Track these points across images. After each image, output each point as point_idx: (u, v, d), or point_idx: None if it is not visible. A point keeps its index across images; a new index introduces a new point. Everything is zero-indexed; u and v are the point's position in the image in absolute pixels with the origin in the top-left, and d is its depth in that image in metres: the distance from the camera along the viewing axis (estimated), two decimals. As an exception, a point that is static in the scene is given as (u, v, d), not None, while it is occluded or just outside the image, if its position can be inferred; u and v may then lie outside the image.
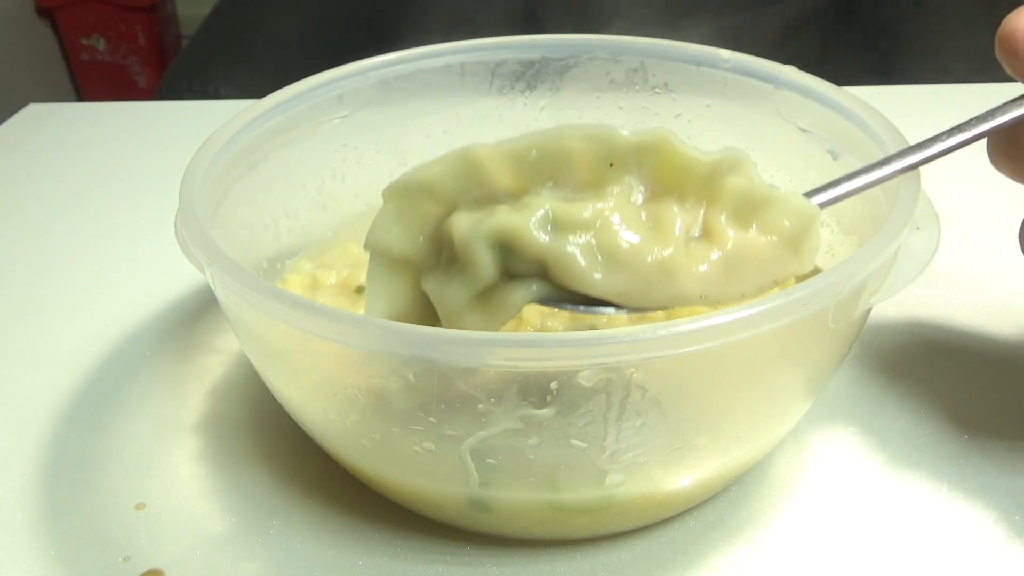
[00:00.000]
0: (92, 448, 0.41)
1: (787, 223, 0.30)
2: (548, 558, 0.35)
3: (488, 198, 0.31)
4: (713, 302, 0.30)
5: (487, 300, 0.30)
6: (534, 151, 0.30)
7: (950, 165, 0.58)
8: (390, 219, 0.32)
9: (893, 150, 0.36)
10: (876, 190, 0.38)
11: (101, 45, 1.91)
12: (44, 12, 1.87)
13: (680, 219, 0.30)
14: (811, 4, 0.96)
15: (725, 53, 0.44)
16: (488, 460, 0.31)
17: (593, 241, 0.29)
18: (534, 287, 0.30)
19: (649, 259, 0.29)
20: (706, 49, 0.44)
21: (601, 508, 0.33)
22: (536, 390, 0.28)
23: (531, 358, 0.27)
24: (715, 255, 0.30)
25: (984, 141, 0.33)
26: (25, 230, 0.61)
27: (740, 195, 0.30)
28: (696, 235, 0.30)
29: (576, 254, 0.29)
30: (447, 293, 0.30)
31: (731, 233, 0.30)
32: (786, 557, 0.35)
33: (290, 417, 0.37)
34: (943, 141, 0.33)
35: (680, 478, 0.33)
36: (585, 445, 0.30)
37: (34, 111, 0.78)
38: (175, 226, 0.35)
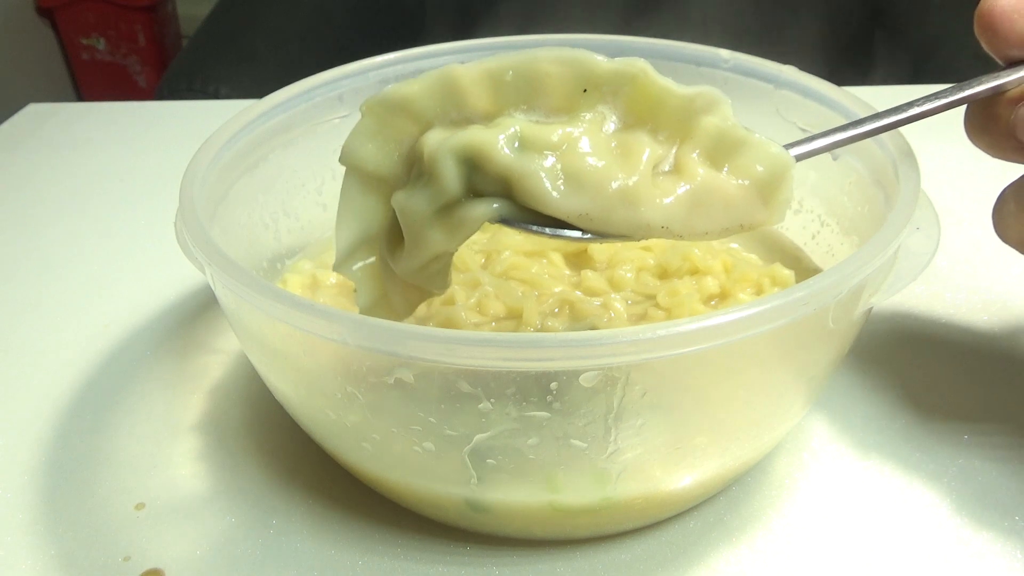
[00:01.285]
0: (92, 448, 0.41)
1: (760, 168, 0.30)
2: (548, 558, 0.35)
3: (464, 119, 0.31)
4: (675, 235, 0.30)
5: (449, 215, 0.30)
6: (510, 72, 0.30)
7: (950, 165, 0.58)
8: (366, 134, 0.32)
9: (893, 150, 0.36)
10: (876, 189, 0.38)
11: (101, 45, 1.91)
12: (44, 12, 1.87)
13: (650, 149, 0.30)
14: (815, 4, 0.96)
15: (725, 53, 0.44)
16: (488, 460, 0.31)
17: (558, 163, 0.29)
18: (496, 205, 0.30)
19: (613, 184, 0.29)
20: (706, 49, 0.44)
21: (601, 508, 0.33)
22: (536, 390, 0.28)
23: (531, 358, 0.27)
24: (681, 188, 0.30)
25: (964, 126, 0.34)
26: (25, 230, 0.61)
27: (714, 135, 0.30)
28: (666, 170, 0.30)
29: (539, 172, 0.29)
30: (411, 204, 0.30)
31: (701, 171, 0.30)
32: (786, 557, 0.35)
33: (290, 417, 0.37)
34: (920, 106, 0.33)
35: (680, 478, 0.33)
36: (585, 445, 0.30)
37: (34, 111, 0.78)
38: (175, 226, 0.35)
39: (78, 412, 0.44)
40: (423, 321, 0.41)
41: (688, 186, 0.30)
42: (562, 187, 0.29)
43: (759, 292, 0.41)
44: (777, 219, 0.31)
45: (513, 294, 0.41)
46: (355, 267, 0.33)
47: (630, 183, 0.29)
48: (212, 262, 0.31)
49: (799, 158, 0.32)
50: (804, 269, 0.44)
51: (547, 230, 0.30)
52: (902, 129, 0.36)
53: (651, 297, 0.41)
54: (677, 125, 0.30)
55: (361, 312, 0.34)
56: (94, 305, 0.52)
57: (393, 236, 0.32)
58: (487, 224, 0.30)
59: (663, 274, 0.43)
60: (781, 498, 0.37)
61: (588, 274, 0.42)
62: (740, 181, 0.30)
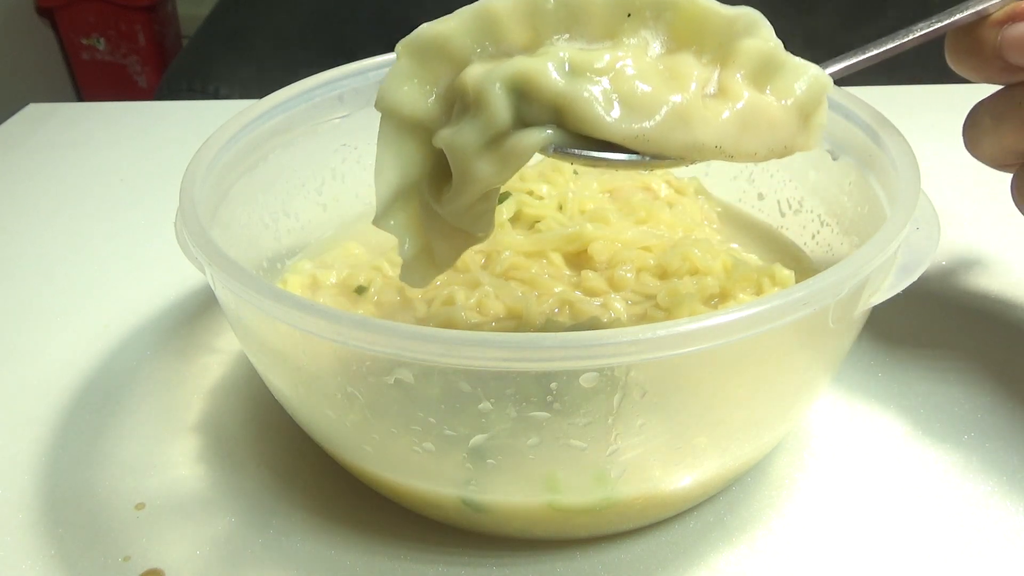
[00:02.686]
0: (92, 448, 0.41)
1: (800, 88, 0.31)
2: (548, 558, 0.35)
3: (502, 53, 0.30)
4: (726, 155, 0.30)
5: (499, 146, 0.30)
6: (551, 1, 0.30)
7: (950, 165, 0.58)
8: (402, 76, 0.31)
9: (894, 151, 0.36)
10: (877, 189, 0.38)
11: (101, 45, 1.91)
12: (44, 12, 1.87)
13: (696, 71, 0.30)
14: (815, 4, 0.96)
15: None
16: (488, 460, 0.31)
17: (609, 86, 0.29)
18: (548, 131, 0.29)
19: (666, 105, 0.29)
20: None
21: (601, 508, 0.33)
22: (536, 390, 0.28)
23: (531, 358, 0.27)
24: (730, 109, 0.30)
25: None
26: (25, 230, 0.61)
27: (756, 57, 0.30)
28: (711, 92, 0.30)
29: (592, 97, 0.29)
30: (459, 138, 0.30)
31: (746, 92, 0.30)
32: (786, 557, 0.35)
33: (290, 417, 0.37)
34: (917, 31, 0.35)
35: (680, 478, 0.33)
36: (585, 445, 0.30)
37: (34, 111, 0.78)
38: (175, 226, 0.35)
39: (78, 412, 0.44)
40: (423, 321, 0.41)
41: (736, 106, 0.30)
42: (617, 110, 0.29)
43: (759, 292, 0.41)
44: (814, 143, 0.31)
45: (513, 294, 0.41)
46: (394, 220, 0.33)
47: (683, 103, 0.29)
48: (212, 262, 0.31)
49: (834, 76, 0.33)
50: (804, 269, 0.44)
51: (606, 156, 0.30)
52: (902, 129, 0.37)
53: (651, 297, 0.41)
54: (719, 48, 0.30)
55: (404, 264, 0.34)
56: (94, 305, 0.52)
57: (436, 179, 0.32)
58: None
59: (663, 274, 0.43)
60: (781, 498, 0.37)
61: (588, 274, 0.42)
62: (783, 101, 0.31)
